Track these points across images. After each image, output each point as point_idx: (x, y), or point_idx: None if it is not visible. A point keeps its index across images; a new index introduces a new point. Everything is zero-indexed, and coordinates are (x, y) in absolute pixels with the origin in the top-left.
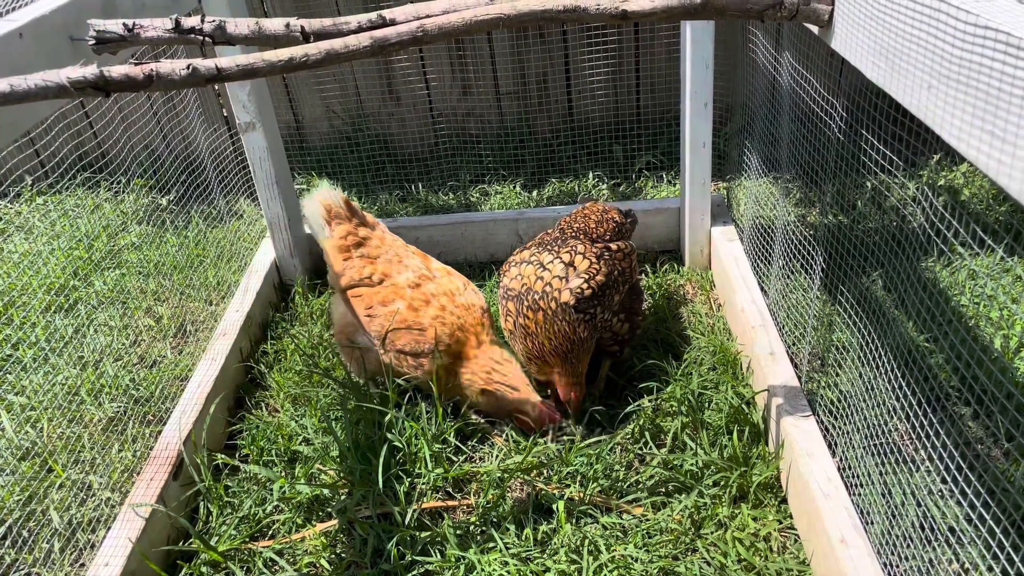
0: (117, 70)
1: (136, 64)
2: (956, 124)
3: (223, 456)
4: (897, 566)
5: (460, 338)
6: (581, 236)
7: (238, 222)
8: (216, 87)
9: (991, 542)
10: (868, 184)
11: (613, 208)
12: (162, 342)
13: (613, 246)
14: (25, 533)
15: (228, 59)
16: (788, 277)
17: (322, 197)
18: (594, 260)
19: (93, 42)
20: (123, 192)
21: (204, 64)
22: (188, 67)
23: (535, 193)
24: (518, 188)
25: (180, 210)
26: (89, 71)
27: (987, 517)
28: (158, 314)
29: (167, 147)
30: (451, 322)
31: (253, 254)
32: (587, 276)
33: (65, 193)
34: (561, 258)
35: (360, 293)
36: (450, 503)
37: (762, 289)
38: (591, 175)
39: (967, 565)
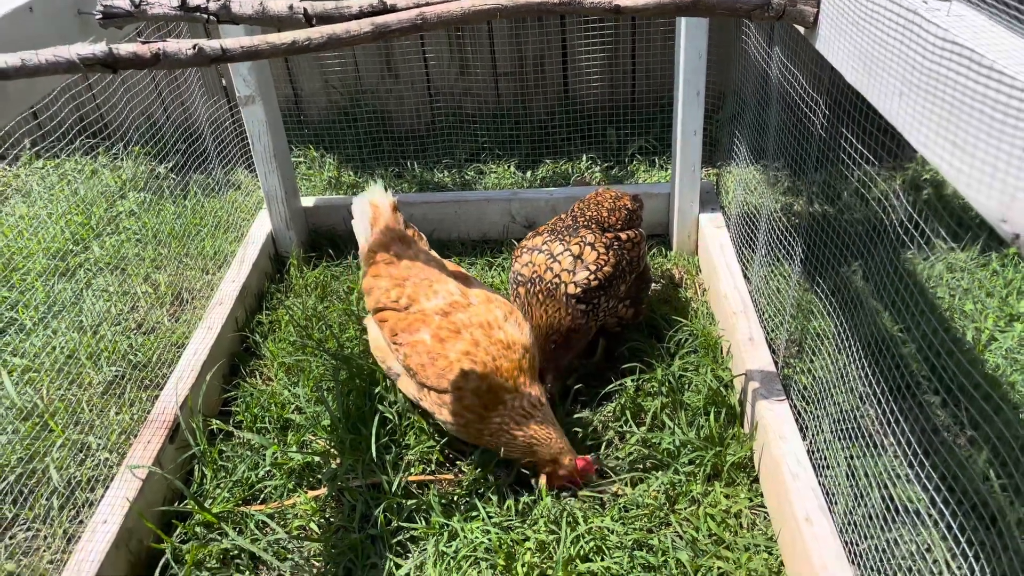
0: (125, 48)
1: (144, 43)
2: (923, 132)
3: (218, 422)
4: (859, 544)
5: (493, 383)
6: (593, 225)
7: (235, 193)
8: None
9: (952, 523)
10: (848, 178)
11: (626, 195)
12: (159, 309)
13: (623, 235)
14: (25, 491)
15: (233, 40)
16: (771, 265)
17: (372, 198)
18: (603, 251)
19: (100, 16)
20: (122, 159)
21: (209, 44)
22: (194, 47)
23: (529, 173)
24: (513, 168)
25: (178, 179)
26: (99, 48)
27: (950, 500)
28: (156, 281)
29: (166, 116)
30: (483, 361)
31: (249, 225)
32: (595, 268)
33: (64, 158)
34: (571, 250)
35: (386, 317)
36: (440, 476)
37: (745, 276)
38: (585, 157)
39: (928, 545)
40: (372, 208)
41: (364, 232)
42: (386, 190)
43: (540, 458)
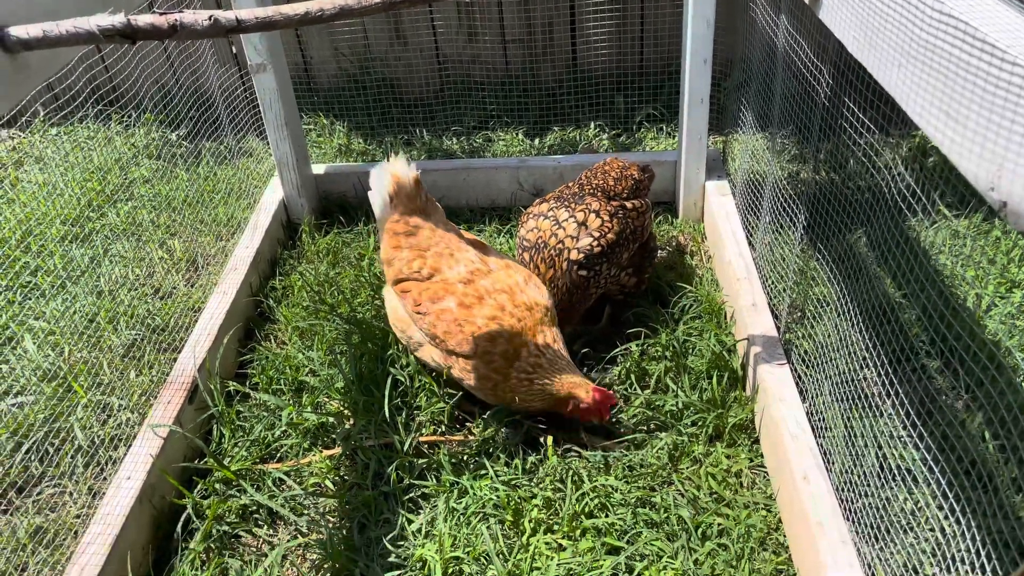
0: (143, 19)
1: (161, 14)
2: (919, 102)
3: (234, 384)
4: (854, 502)
5: (519, 344)
6: (599, 193)
7: (247, 160)
8: None
9: (942, 481)
10: (851, 147)
11: (633, 164)
12: (175, 275)
13: (629, 204)
14: (51, 449)
15: (247, 11)
16: (775, 232)
17: (394, 170)
18: (607, 219)
19: None
20: (134, 126)
21: (225, 16)
22: (210, 18)
23: (537, 141)
24: (521, 136)
25: (191, 147)
26: (117, 19)
27: (940, 459)
28: (171, 248)
29: (178, 84)
30: (509, 324)
31: (262, 192)
32: (598, 235)
33: (78, 125)
34: (576, 217)
35: (409, 287)
36: (451, 438)
37: (750, 243)
38: (593, 125)
39: (921, 504)
40: (393, 180)
41: (383, 203)
42: (408, 163)
43: (558, 397)
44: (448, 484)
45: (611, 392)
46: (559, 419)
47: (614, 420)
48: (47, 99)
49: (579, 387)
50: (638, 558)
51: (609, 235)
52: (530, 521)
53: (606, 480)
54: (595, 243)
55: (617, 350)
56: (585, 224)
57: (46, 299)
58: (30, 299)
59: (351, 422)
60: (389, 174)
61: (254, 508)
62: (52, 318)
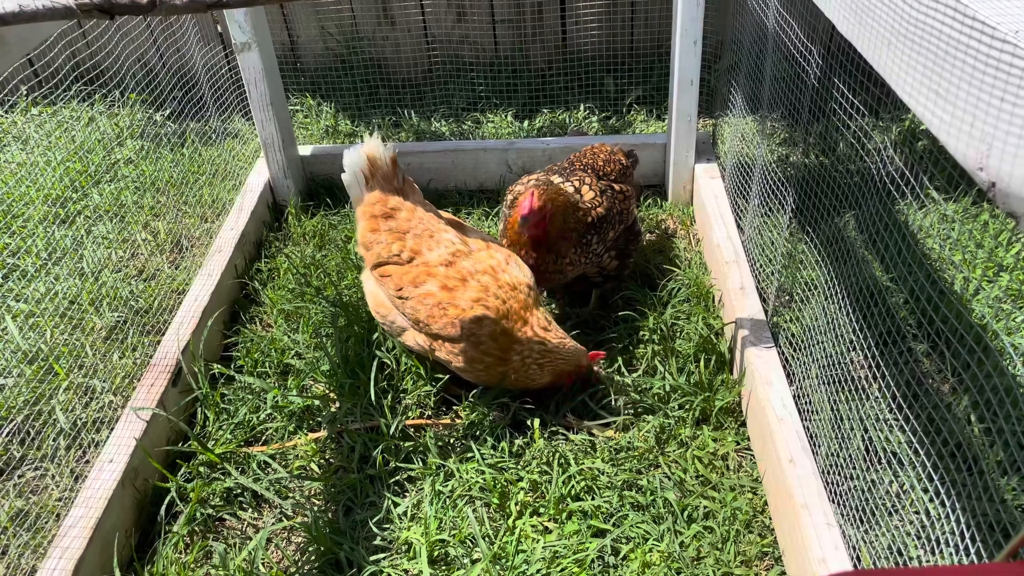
0: None
1: None
2: (908, 82)
3: (219, 366)
4: (840, 485)
5: (507, 327)
6: (588, 171)
7: (232, 141)
8: None
9: (928, 464)
10: (841, 129)
11: (620, 150)
12: (159, 256)
13: (616, 186)
14: (32, 432)
15: None
16: (764, 216)
17: (368, 150)
18: (597, 194)
19: None
20: (118, 106)
21: None
22: None
23: (527, 123)
24: (510, 118)
25: (176, 127)
26: None
27: (925, 442)
28: (155, 229)
29: (162, 63)
30: (495, 306)
31: (247, 174)
32: (590, 206)
33: (60, 104)
34: (571, 183)
35: (389, 272)
36: (438, 421)
37: (739, 226)
38: (582, 107)
39: (906, 486)
40: (368, 161)
41: (359, 186)
42: (384, 142)
43: (566, 371)
44: (434, 467)
45: (598, 351)
46: (546, 401)
47: (603, 401)
48: (27, 75)
49: (582, 357)
50: (624, 541)
51: (599, 208)
52: (516, 504)
53: (592, 463)
54: (590, 209)
55: (605, 335)
56: (579, 192)
57: (28, 280)
58: (11, 280)
59: (337, 405)
60: (364, 155)
61: (239, 491)
62: (33, 299)
